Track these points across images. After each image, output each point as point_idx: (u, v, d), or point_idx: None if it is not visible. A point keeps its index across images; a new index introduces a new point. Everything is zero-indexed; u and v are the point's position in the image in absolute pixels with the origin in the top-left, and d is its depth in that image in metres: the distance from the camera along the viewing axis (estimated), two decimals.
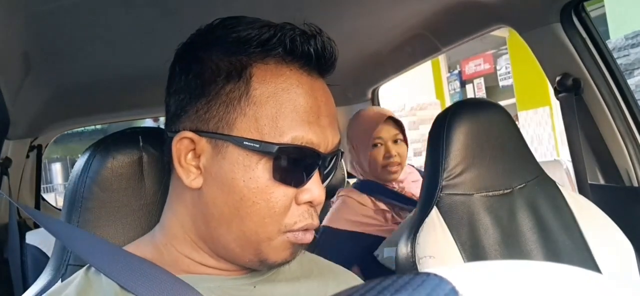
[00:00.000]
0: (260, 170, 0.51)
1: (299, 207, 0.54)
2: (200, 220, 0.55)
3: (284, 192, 0.52)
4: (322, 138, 0.53)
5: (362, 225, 1.36)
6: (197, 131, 0.53)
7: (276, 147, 0.50)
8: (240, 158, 0.51)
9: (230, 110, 0.51)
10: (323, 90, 0.55)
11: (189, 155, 0.54)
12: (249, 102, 0.51)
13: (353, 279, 0.70)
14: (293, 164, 0.52)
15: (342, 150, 0.59)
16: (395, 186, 1.44)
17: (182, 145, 0.53)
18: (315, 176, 0.54)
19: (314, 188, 0.53)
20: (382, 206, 1.40)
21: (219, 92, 0.52)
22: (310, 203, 0.54)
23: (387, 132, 1.41)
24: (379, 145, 1.40)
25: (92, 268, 0.56)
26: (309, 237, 0.55)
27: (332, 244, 1.33)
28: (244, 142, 0.51)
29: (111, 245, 0.57)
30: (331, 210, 1.45)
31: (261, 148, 0.50)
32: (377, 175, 1.42)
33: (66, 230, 0.60)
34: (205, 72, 0.53)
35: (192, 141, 0.53)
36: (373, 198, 1.41)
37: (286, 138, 0.51)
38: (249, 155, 0.51)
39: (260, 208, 0.52)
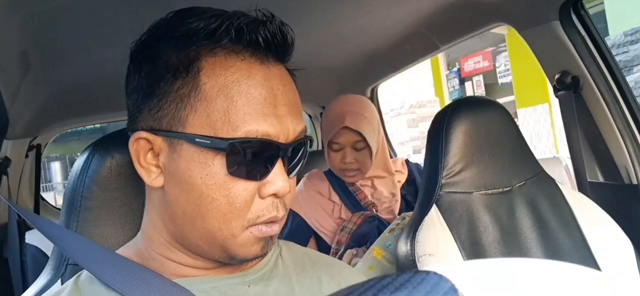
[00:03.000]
0: (216, 166, 0.50)
1: (263, 200, 0.52)
2: (167, 219, 0.55)
3: (243, 187, 0.51)
4: (281, 129, 0.51)
5: (311, 215, 1.39)
6: (151, 130, 0.52)
7: (228, 143, 0.49)
8: (195, 155, 0.50)
9: (180, 107, 0.50)
10: (280, 78, 0.53)
11: (148, 155, 0.53)
12: (199, 98, 0.50)
13: (346, 270, 0.69)
14: (250, 158, 0.50)
15: (310, 137, 0.57)
16: (357, 186, 1.44)
17: (139, 145, 0.53)
18: (278, 168, 0.52)
19: (277, 180, 0.52)
20: (335, 198, 1.40)
21: (169, 89, 0.50)
22: (274, 195, 0.53)
23: (347, 138, 1.32)
24: (337, 149, 1.35)
25: (82, 276, 0.56)
26: (275, 229, 0.54)
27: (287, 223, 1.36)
28: (196, 139, 0.49)
29: (106, 249, 0.57)
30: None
31: (213, 145, 0.49)
32: (336, 173, 1.42)
33: (61, 234, 0.59)
34: (156, 69, 0.51)
35: (149, 141, 0.52)
36: (331, 187, 1.42)
37: (240, 133, 0.49)
38: (204, 151, 0.50)
39: (220, 205, 0.50)
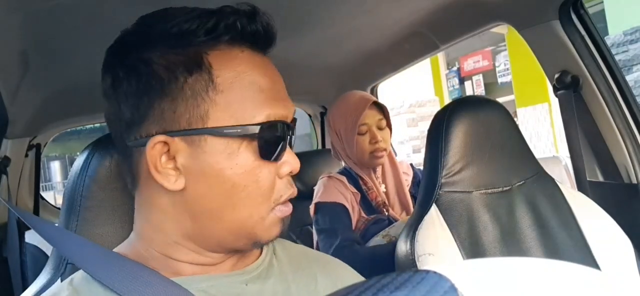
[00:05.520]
0: (243, 154, 0.52)
1: (281, 180, 0.56)
2: (186, 220, 0.54)
3: (268, 169, 0.54)
4: (287, 111, 0.55)
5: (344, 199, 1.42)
6: (167, 132, 0.51)
7: (258, 128, 0.51)
8: (221, 148, 0.51)
9: (199, 103, 0.51)
10: (271, 66, 0.57)
11: (163, 159, 0.52)
12: (216, 90, 0.51)
13: (341, 268, 0.70)
14: (272, 141, 0.53)
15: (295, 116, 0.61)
16: (374, 180, 1.46)
17: (155, 150, 0.51)
18: (289, 147, 0.56)
19: (291, 158, 0.56)
20: (353, 189, 1.44)
21: (182, 87, 0.51)
22: (290, 173, 0.56)
23: (372, 117, 1.41)
24: (364, 131, 1.41)
25: (77, 276, 0.56)
26: (290, 208, 0.58)
27: (332, 215, 1.37)
28: (224, 131, 0.51)
29: (104, 249, 0.56)
30: (317, 191, 1.47)
31: (242, 133, 0.51)
32: (363, 161, 1.44)
33: (58, 234, 0.59)
34: (158, 70, 0.51)
35: (165, 143, 0.51)
36: (350, 183, 1.46)
37: (261, 117, 0.52)
38: (230, 142, 0.51)
39: (252, 191, 0.53)
